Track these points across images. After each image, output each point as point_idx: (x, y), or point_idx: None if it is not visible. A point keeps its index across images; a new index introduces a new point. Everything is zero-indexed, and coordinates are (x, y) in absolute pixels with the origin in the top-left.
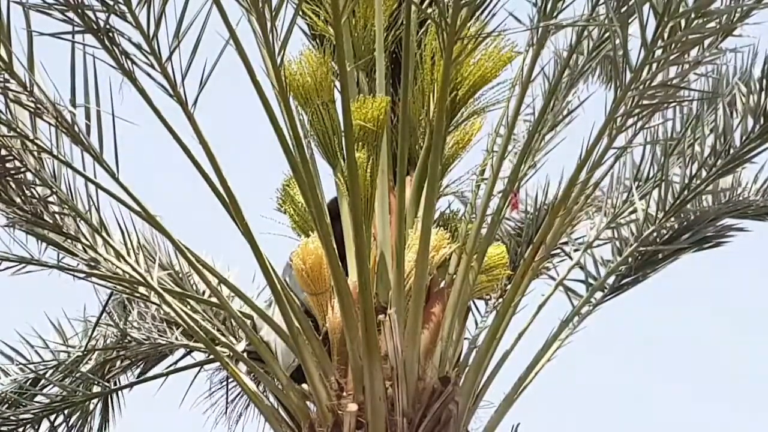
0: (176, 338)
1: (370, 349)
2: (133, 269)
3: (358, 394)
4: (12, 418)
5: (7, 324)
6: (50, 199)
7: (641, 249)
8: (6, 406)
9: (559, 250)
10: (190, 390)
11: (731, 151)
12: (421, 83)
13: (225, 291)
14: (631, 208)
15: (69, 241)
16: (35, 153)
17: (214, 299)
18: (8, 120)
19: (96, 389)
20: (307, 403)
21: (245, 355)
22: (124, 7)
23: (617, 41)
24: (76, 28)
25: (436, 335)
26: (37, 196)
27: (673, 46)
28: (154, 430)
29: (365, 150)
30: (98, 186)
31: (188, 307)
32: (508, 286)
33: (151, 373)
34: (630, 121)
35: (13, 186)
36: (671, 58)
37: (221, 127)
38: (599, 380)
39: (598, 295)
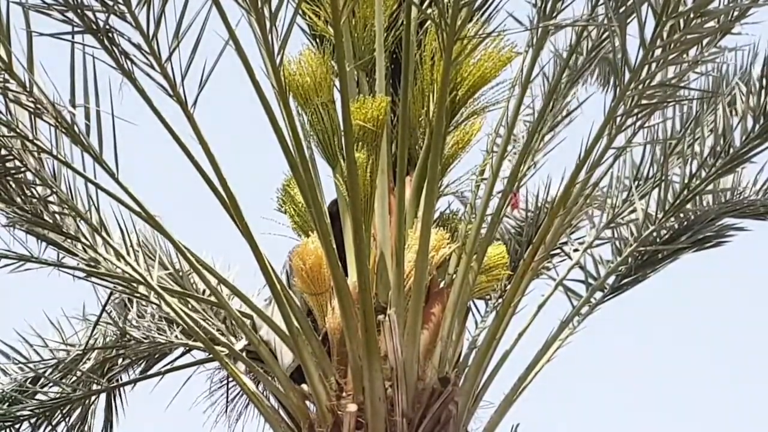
0: (176, 337)
1: (369, 349)
2: (133, 269)
3: (358, 394)
4: (10, 415)
5: (7, 323)
6: (50, 198)
7: (641, 249)
8: (6, 404)
9: (559, 250)
10: (191, 389)
11: (731, 150)
12: (421, 83)
13: (224, 291)
14: (630, 208)
15: (69, 240)
16: (35, 153)
17: (213, 299)
18: (8, 120)
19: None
20: (307, 403)
21: (245, 354)
22: (123, 8)
23: (616, 41)
24: (76, 29)
25: (435, 335)
26: (37, 195)
27: (672, 45)
28: (154, 429)
29: (365, 150)
30: (98, 186)
31: (188, 306)
32: (508, 286)
33: (150, 372)
34: (629, 121)
35: (13, 186)
36: (670, 57)
37: (221, 127)
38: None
39: (598, 295)
